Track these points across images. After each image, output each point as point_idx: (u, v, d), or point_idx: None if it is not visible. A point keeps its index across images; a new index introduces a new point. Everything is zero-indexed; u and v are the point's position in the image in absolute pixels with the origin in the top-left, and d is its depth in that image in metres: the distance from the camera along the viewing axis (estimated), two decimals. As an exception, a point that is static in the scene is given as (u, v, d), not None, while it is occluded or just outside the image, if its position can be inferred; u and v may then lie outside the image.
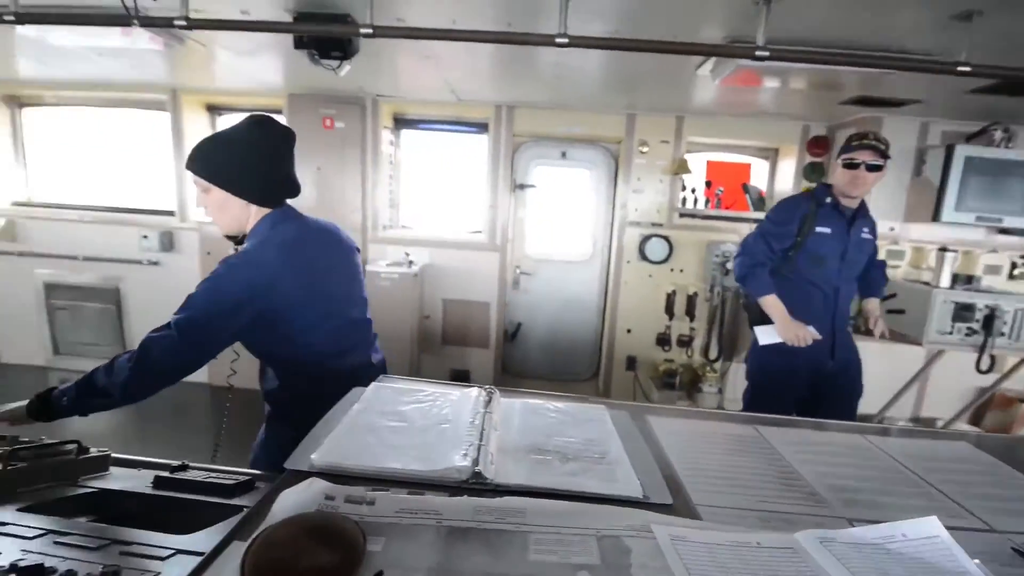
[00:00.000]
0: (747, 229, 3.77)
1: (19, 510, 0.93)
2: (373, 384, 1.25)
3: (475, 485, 0.87)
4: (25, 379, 4.24)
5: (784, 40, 1.98)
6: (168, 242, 4.01)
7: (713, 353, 3.96)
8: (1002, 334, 3.07)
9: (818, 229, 2.22)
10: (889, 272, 2.65)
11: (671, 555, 0.72)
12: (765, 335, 2.31)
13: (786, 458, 1.12)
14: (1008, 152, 2.99)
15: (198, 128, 3.99)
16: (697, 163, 3.81)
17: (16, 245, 4.16)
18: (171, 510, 1.08)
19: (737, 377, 3.95)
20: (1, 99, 4.11)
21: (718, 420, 1.29)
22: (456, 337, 4.11)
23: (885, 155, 2.11)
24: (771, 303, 2.24)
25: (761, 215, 3.83)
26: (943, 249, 3.05)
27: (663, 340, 3.96)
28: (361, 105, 3.65)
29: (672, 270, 3.85)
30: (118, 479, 1.18)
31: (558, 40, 1.72)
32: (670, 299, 3.85)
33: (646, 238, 3.77)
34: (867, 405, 2.64)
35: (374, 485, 0.84)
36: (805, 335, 2.16)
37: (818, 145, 3.53)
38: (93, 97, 4.02)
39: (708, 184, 3.83)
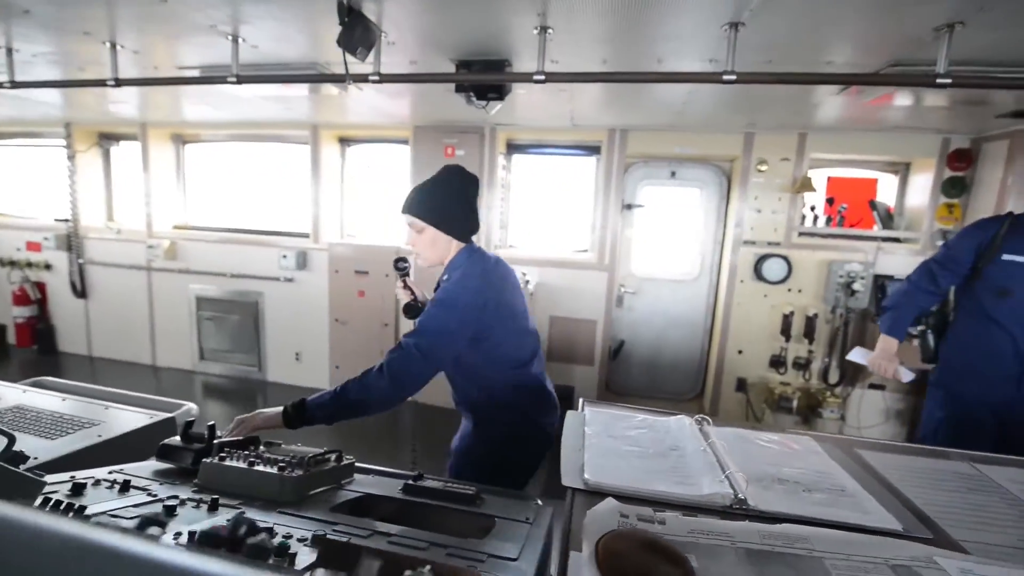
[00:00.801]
0: (873, 248, 3.60)
1: (331, 510, 1.12)
2: (587, 409, 1.36)
3: (740, 510, 0.95)
4: (173, 380, 4.85)
5: (959, 60, 1.91)
6: (303, 261, 4.45)
7: (833, 377, 3.78)
8: None
9: (1005, 256, 1.96)
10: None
11: (974, 592, 0.76)
12: (856, 354, 2.27)
13: (1020, 496, 1.11)
14: None
15: (332, 158, 4.42)
16: (818, 179, 3.68)
17: (177, 263, 4.78)
18: (415, 514, 1.24)
19: (861, 403, 3.74)
20: (170, 138, 4.78)
21: (931, 456, 1.29)
22: (562, 354, 4.21)
23: None
24: (886, 340, 2.14)
25: (890, 233, 3.65)
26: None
27: (778, 362, 3.83)
28: (480, 133, 3.88)
29: (789, 290, 3.73)
30: (367, 485, 1.36)
31: (725, 77, 1.78)
32: (787, 320, 3.73)
33: (763, 258, 3.69)
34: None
35: (656, 506, 0.94)
36: (889, 368, 2.09)
37: (960, 159, 3.30)
38: (244, 134, 4.57)
39: (830, 201, 3.68)
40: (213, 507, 1.05)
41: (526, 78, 1.97)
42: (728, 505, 0.95)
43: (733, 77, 1.79)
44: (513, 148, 4.19)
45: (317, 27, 2.07)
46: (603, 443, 1.17)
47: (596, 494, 0.97)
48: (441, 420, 4.12)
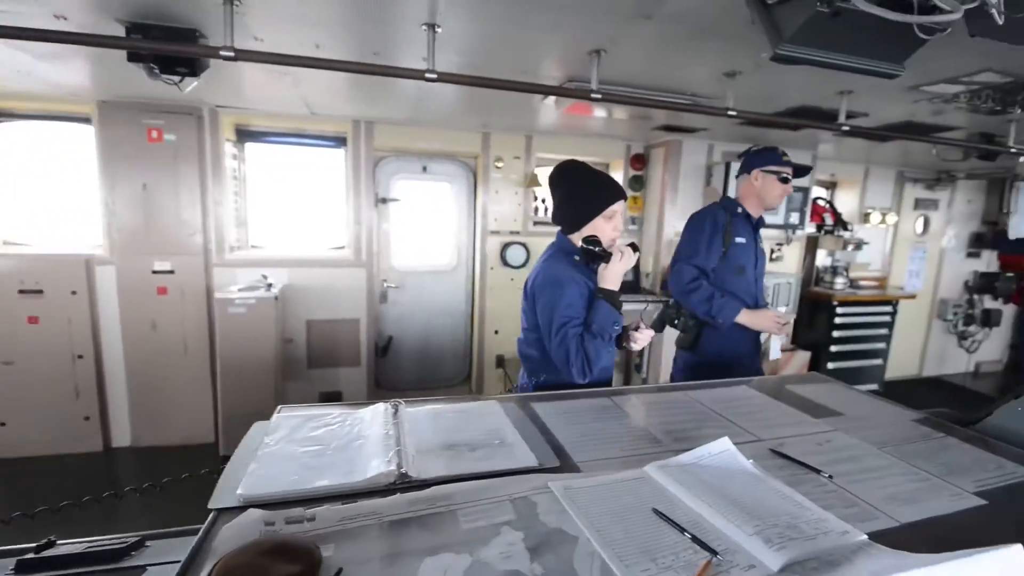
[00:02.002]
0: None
1: None
2: (275, 416, 1.26)
3: (403, 485, 1.00)
4: None
5: (613, 80, 2.41)
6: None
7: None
8: (767, 303, 4.10)
9: (737, 239, 2.22)
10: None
11: (565, 500, 0.95)
12: (774, 350, 2.33)
13: (632, 417, 1.45)
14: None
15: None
16: (543, 175, 4.27)
17: None
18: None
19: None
20: None
21: (584, 398, 1.58)
22: (324, 359, 3.96)
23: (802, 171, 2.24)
24: (747, 317, 2.17)
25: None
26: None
27: (528, 337, 4.34)
28: (197, 116, 3.31)
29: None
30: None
31: (427, 75, 1.87)
32: (531, 299, 4.25)
33: (506, 245, 4.11)
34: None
35: (309, 504, 0.91)
36: (772, 321, 2.19)
37: (638, 161, 4.25)
38: None
39: (555, 195, 4.32)
40: None
41: (212, 53, 1.72)
42: (393, 482, 0.99)
43: (435, 76, 1.89)
44: (245, 135, 3.71)
45: None
46: (279, 450, 1.10)
47: (254, 508, 0.90)
48: (163, 461, 3.45)
